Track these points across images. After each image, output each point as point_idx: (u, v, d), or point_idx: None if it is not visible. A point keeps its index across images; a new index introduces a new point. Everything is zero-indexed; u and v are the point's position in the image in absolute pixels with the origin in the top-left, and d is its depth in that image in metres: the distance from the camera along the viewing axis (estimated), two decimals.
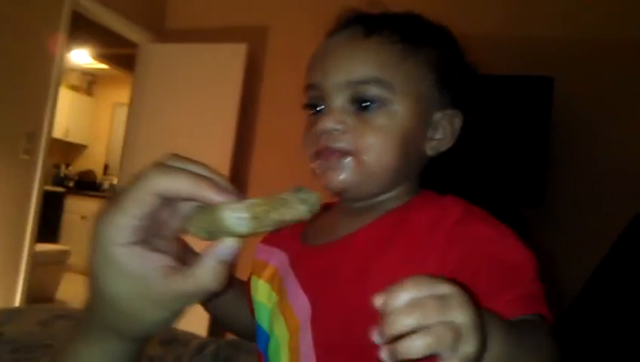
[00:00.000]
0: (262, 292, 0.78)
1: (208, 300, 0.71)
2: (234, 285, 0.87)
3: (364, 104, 0.69)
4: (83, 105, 7.10)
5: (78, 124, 6.99)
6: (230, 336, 1.58)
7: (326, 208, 0.81)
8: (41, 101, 3.12)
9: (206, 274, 0.43)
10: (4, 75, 2.87)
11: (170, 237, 0.49)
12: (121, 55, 5.29)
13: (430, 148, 0.74)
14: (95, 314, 0.46)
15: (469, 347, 0.42)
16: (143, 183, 0.43)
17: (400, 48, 0.70)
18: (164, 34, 4.03)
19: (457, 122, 0.74)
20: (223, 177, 0.46)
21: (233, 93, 3.53)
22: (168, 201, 0.45)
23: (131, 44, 3.93)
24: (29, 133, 3.03)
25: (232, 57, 3.56)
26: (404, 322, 0.42)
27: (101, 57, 5.78)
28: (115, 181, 6.48)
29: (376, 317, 0.61)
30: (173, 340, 1.53)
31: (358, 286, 0.64)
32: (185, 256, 0.51)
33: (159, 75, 3.78)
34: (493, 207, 0.69)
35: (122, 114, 5.48)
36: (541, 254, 0.65)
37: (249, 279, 0.85)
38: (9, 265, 3.04)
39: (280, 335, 0.71)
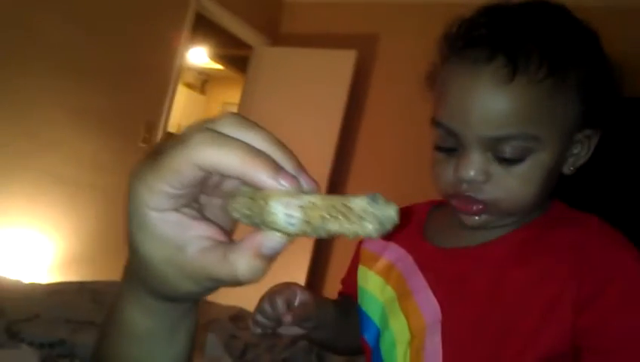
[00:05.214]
0: (373, 283, 0.79)
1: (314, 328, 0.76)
2: (338, 304, 0.85)
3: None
4: (196, 102, 7.52)
5: (190, 120, 7.37)
6: None
7: (442, 204, 0.81)
8: (160, 94, 3.32)
9: (242, 265, 0.36)
10: (131, 67, 3.09)
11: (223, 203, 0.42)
12: (234, 56, 5.51)
13: (567, 167, 0.70)
14: (132, 270, 0.42)
15: None
16: (183, 152, 0.35)
17: (548, 85, 0.61)
18: (278, 38, 4.15)
19: (595, 139, 0.71)
20: (288, 152, 0.37)
21: (339, 99, 3.56)
22: None
23: (246, 46, 4.09)
24: (147, 123, 3.24)
25: (341, 63, 3.59)
26: None
27: (216, 57, 6.06)
28: None
29: (507, 326, 0.64)
30: None
31: (490, 297, 0.66)
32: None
33: (270, 77, 3.89)
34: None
35: None
36: None
37: (353, 265, 0.87)
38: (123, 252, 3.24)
39: (398, 331, 0.72)
